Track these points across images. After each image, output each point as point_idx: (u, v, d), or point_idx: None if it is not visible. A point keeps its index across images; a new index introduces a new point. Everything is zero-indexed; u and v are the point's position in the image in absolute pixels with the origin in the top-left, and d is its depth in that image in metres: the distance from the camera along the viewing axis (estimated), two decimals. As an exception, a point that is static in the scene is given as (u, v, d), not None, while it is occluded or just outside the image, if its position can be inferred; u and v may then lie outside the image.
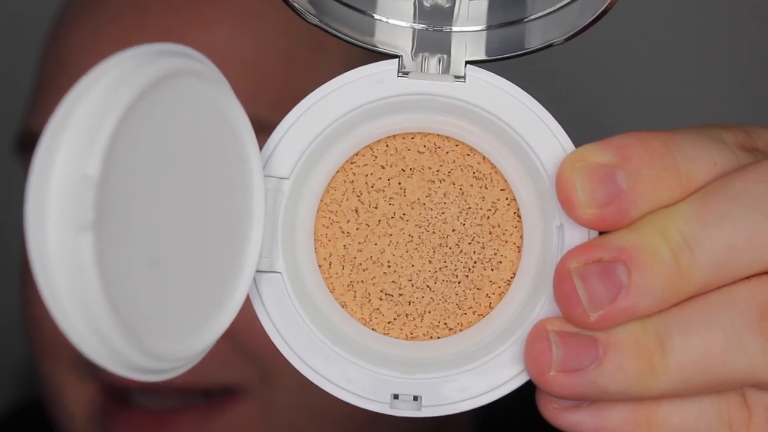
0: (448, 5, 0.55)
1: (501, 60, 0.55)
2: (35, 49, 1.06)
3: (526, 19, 0.55)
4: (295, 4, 0.55)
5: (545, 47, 0.56)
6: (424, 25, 0.56)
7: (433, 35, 0.55)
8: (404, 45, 0.55)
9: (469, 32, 0.55)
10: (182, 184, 0.49)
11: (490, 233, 0.55)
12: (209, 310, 0.51)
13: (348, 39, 0.55)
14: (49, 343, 0.96)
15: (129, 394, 0.95)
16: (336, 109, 0.54)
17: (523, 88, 0.55)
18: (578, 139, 0.55)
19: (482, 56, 0.55)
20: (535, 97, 0.56)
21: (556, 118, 0.55)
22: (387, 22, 0.56)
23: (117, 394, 0.96)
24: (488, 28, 0.55)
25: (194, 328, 0.50)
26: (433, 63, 0.55)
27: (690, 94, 1.40)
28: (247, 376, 0.92)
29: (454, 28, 0.55)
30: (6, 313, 1.48)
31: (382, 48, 0.55)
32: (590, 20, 0.54)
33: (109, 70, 0.45)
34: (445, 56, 0.55)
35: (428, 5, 0.56)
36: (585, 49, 1.19)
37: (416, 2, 0.55)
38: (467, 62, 0.55)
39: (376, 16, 0.56)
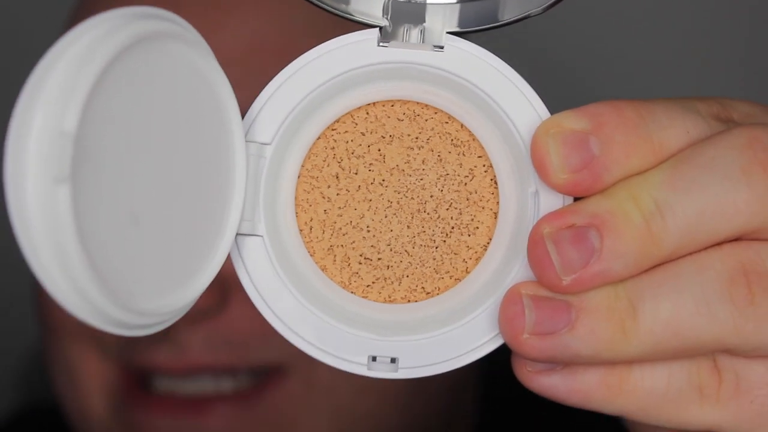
0: None
1: (478, 32, 0.56)
2: (36, 49, 1.06)
3: None
4: None
5: (523, 18, 0.57)
6: None
7: (408, 6, 0.56)
8: (378, 14, 0.56)
9: (443, 4, 0.56)
10: (163, 145, 0.50)
11: (467, 199, 0.56)
12: (190, 269, 0.52)
13: (325, 7, 0.56)
14: (66, 322, 0.96)
15: (152, 377, 0.96)
16: (317, 77, 0.56)
17: (504, 57, 0.56)
18: (557, 108, 0.56)
19: (458, 28, 0.56)
20: (515, 66, 0.57)
21: (536, 87, 0.56)
22: None
23: (139, 377, 0.96)
24: (462, 0, 0.56)
25: (174, 285, 0.52)
26: (414, 33, 0.56)
27: (671, 65, 1.40)
28: (292, 353, 0.93)
29: (429, 0, 0.56)
30: (6, 314, 1.50)
31: (358, 17, 0.56)
32: None
33: (88, 30, 0.46)
34: (426, 27, 0.56)
35: None
36: (566, 18, 1.19)
37: None
38: (447, 33, 0.56)
39: None
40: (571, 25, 1.35)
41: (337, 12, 0.57)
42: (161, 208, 0.50)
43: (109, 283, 0.47)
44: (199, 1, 0.93)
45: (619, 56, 1.41)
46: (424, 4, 0.56)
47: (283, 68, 0.56)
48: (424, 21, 0.56)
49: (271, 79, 0.56)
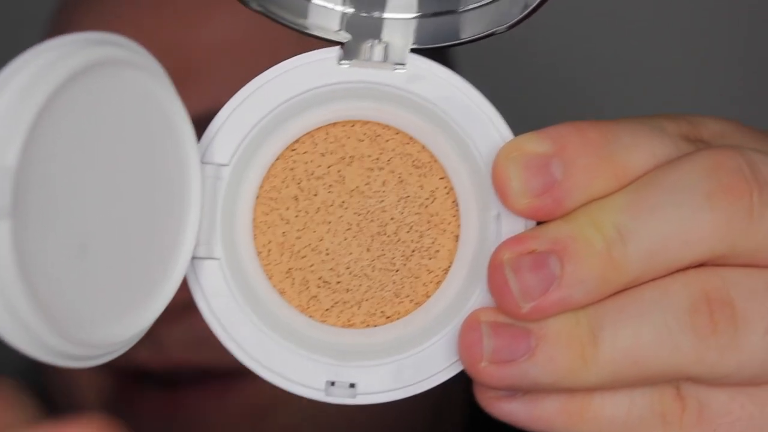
0: None
1: (441, 48, 0.55)
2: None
3: (460, 10, 0.55)
4: None
5: (487, 36, 0.56)
6: (353, 9, 0.56)
7: (365, 20, 0.55)
8: (336, 28, 0.55)
9: (403, 19, 0.55)
10: (115, 173, 0.49)
11: (428, 222, 0.55)
12: (142, 295, 0.51)
13: (283, 22, 0.55)
14: None
15: (144, 376, 0.95)
16: (276, 97, 0.55)
17: (470, 76, 0.56)
18: (524, 129, 0.55)
19: (419, 44, 0.55)
20: (481, 85, 0.56)
21: (504, 107, 0.55)
22: (318, 5, 0.56)
23: (132, 377, 0.95)
24: (422, 16, 0.55)
25: (126, 313, 0.51)
26: (377, 50, 0.55)
27: (641, 81, 1.39)
28: None
29: (386, 15, 0.55)
30: None
31: (316, 31, 0.55)
32: (532, 8, 0.54)
33: (34, 58, 0.45)
34: (388, 44, 0.55)
35: None
36: (534, 36, 1.18)
37: None
38: (412, 50, 0.55)
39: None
40: (541, 42, 1.33)
41: (294, 26, 0.56)
42: (112, 236, 0.49)
43: (56, 316, 0.46)
44: None
45: (589, 74, 1.40)
46: (382, 19, 0.55)
47: (267, 64, 0.55)
48: (381, 36, 0.55)
49: (255, 70, 0.55)
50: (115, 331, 0.50)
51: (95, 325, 0.49)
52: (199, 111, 0.79)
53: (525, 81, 1.28)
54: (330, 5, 0.56)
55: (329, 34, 0.55)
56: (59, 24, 0.97)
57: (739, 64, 1.39)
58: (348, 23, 0.56)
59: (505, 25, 0.55)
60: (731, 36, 1.38)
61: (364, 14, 0.56)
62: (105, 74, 0.48)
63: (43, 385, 1.03)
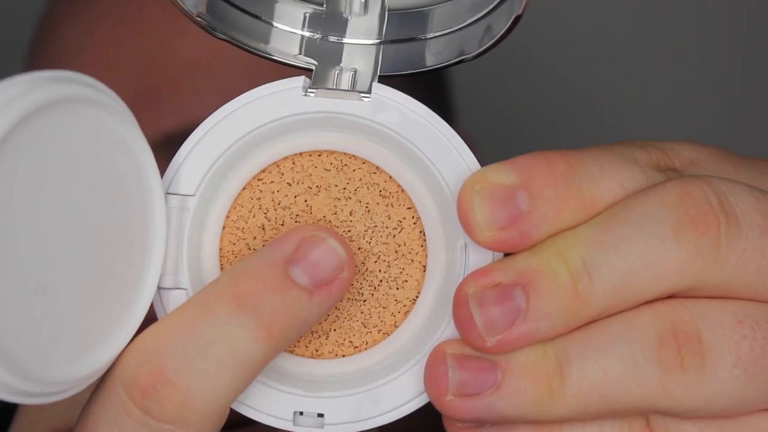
0: (341, 14, 0.55)
1: (407, 75, 0.55)
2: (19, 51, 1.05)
3: (425, 37, 0.55)
4: (199, 19, 0.55)
5: (455, 63, 0.55)
6: (312, 34, 0.56)
7: (325, 45, 0.55)
8: (294, 52, 0.55)
9: (363, 45, 0.55)
10: (73, 209, 0.49)
11: (396, 252, 0.55)
12: (106, 329, 0.51)
13: (244, 47, 0.55)
14: None
15: None
16: (241, 127, 0.54)
17: (444, 98, 0.55)
18: (498, 151, 0.55)
19: (385, 72, 0.55)
20: (457, 106, 0.55)
21: (484, 129, 0.55)
22: (280, 29, 0.56)
23: None
24: (384, 42, 0.55)
25: (90, 348, 0.50)
26: (345, 78, 0.55)
27: (639, 86, 1.38)
28: None
29: (346, 40, 0.55)
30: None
31: (276, 56, 0.55)
32: (500, 36, 0.54)
33: None
34: (356, 71, 0.55)
35: (320, 12, 0.55)
36: (508, 59, 1.18)
37: (306, 12, 0.55)
38: (380, 78, 0.55)
39: (274, 23, 0.56)
40: (513, 66, 1.33)
41: (257, 52, 0.56)
42: (73, 273, 0.49)
43: (11, 353, 0.46)
44: (161, 7, 0.92)
45: (563, 97, 1.39)
46: (342, 44, 0.55)
47: (241, 79, 0.55)
48: (341, 61, 0.55)
49: (231, 85, 0.55)
50: (78, 367, 0.50)
51: (56, 362, 0.48)
52: (174, 127, 0.78)
53: (520, 93, 1.28)
54: (291, 29, 0.56)
55: (289, 58, 0.55)
56: (44, 30, 0.97)
57: (738, 67, 1.38)
58: (307, 48, 0.55)
59: (472, 53, 0.54)
60: (729, 38, 1.37)
61: (324, 38, 0.55)
62: (63, 112, 0.48)
63: None
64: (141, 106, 0.82)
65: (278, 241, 0.51)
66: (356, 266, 0.55)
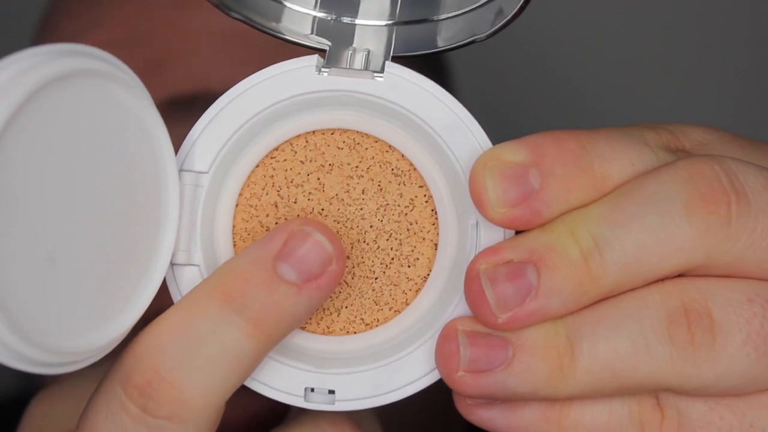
0: None
1: (418, 56, 0.55)
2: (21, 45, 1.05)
3: (437, 18, 0.55)
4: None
5: (468, 43, 0.55)
6: (326, 14, 0.56)
7: (337, 26, 0.55)
8: (307, 32, 0.55)
9: (375, 26, 0.55)
10: (86, 182, 0.49)
11: (407, 230, 0.55)
12: (119, 302, 0.52)
13: (254, 25, 0.55)
14: None
15: None
16: (255, 105, 0.55)
17: (455, 83, 0.55)
18: (508, 136, 0.55)
19: (398, 52, 0.55)
20: (466, 92, 0.56)
21: (493, 114, 0.55)
22: (292, 9, 0.56)
23: None
24: (396, 23, 0.55)
25: (103, 320, 0.51)
26: (358, 58, 0.55)
27: (627, 89, 1.38)
28: None
29: (358, 21, 0.55)
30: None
31: (287, 35, 0.55)
32: (511, 16, 0.54)
33: (2, 69, 0.45)
34: (369, 52, 0.55)
35: None
36: (519, 42, 1.17)
37: None
38: (393, 58, 0.55)
39: (286, 3, 0.56)
40: (526, 48, 1.33)
41: (268, 30, 0.56)
42: (85, 245, 0.49)
43: (21, 323, 0.46)
44: None
45: (574, 81, 1.39)
46: (354, 25, 0.55)
47: (255, 57, 0.55)
48: (353, 42, 0.55)
49: (241, 64, 0.55)
50: (91, 338, 0.50)
51: (68, 332, 0.49)
52: (185, 90, 0.78)
53: (522, 81, 1.28)
54: (303, 9, 0.56)
55: (301, 38, 0.55)
56: (49, 17, 0.97)
57: (737, 66, 1.38)
58: (319, 28, 0.56)
59: (484, 34, 0.55)
60: (731, 29, 1.37)
61: (337, 19, 0.55)
62: (77, 85, 0.48)
63: None
64: (150, 71, 0.82)
65: (266, 238, 0.52)
66: (368, 244, 0.55)
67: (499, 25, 0.54)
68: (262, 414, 0.83)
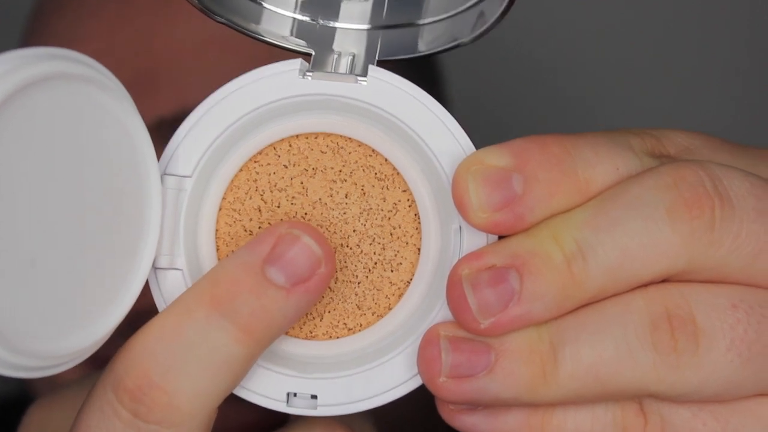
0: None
1: (407, 60, 0.55)
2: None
3: (420, 22, 0.55)
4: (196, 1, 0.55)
5: (450, 48, 0.55)
6: (305, 17, 0.56)
7: (316, 28, 0.55)
8: (285, 34, 0.55)
9: (355, 30, 0.55)
10: (67, 185, 0.49)
11: (390, 234, 0.55)
12: (100, 306, 0.51)
13: (234, 27, 0.55)
14: None
15: None
16: (239, 109, 0.54)
17: (445, 89, 0.55)
18: (498, 140, 0.55)
19: (381, 56, 0.55)
20: (456, 96, 0.56)
21: (483, 118, 0.55)
22: (271, 10, 0.56)
23: None
24: (378, 27, 0.55)
25: (83, 323, 0.51)
26: (343, 62, 0.55)
27: (620, 92, 1.38)
28: None
29: (338, 24, 0.55)
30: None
31: (267, 37, 0.55)
32: (493, 21, 0.54)
33: None
34: (354, 56, 0.55)
35: None
36: (505, 46, 1.17)
37: None
38: (378, 62, 0.55)
39: (265, 4, 0.56)
40: (510, 52, 1.33)
41: (247, 32, 0.56)
42: (66, 249, 0.49)
43: (0, 326, 0.46)
44: None
45: (559, 84, 1.39)
46: (334, 28, 0.55)
47: (235, 63, 0.55)
48: (333, 45, 0.55)
49: (222, 72, 0.55)
50: (72, 341, 0.50)
51: (47, 336, 0.49)
52: (169, 112, 0.78)
53: (512, 85, 1.28)
54: (282, 11, 0.56)
55: (280, 40, 0.55)
56: (35, 23, 0.97)
57: (737, 66, 1.38)
58: (299, 30, 0.56)
59: (467, 38, 0.54)
60: (730, 31, 1.37)
61: (316, 22, 0.55)
62: (58, 88, 0.48)
63: None
64: (136, 91, 0.83)
65: (255, 242, 0.52)
66: (351, 248, 0.55)
67: (482, 29, 0.54)
68: (263, 421, 0.83)
